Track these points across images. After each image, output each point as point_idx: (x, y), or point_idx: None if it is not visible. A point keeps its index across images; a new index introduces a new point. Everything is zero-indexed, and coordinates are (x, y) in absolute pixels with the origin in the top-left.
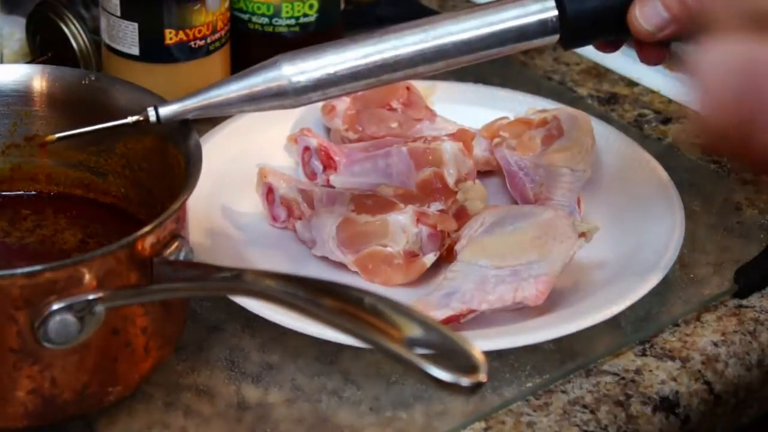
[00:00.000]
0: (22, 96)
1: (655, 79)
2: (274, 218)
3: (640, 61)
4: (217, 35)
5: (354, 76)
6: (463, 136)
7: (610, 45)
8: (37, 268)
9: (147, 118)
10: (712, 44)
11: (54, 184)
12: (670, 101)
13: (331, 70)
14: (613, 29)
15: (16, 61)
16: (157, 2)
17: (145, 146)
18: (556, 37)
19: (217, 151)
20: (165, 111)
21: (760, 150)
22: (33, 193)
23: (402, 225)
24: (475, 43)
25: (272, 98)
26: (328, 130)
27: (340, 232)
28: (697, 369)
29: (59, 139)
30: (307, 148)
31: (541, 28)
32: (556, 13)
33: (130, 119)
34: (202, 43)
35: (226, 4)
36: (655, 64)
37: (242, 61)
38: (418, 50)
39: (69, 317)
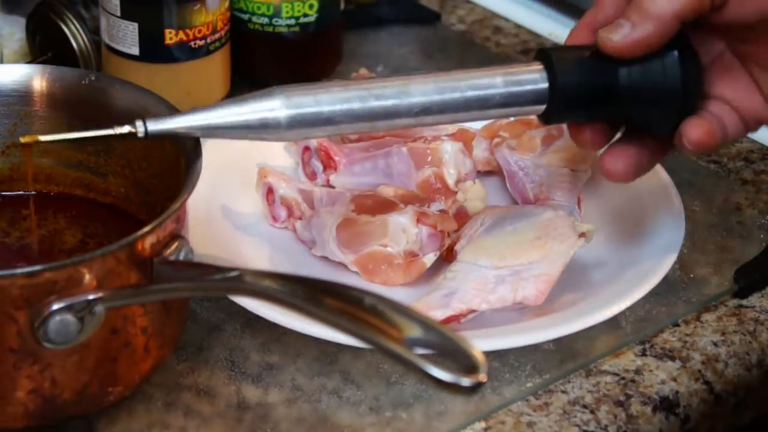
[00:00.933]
0: (22, 96)
1: None
2: (274, 218)
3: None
4: (217, 35)
5: (348, 118)
6: (463, 136)
7: (597, 135)
8: (37, 268)
9: (135, 132)
10: None
11: (54, 184)
12: None
13: (326, 108)
14: (601, 111)
15: (16, 61)
16: (157, 2)
17: (145, 146)
18: (542, 107)
19: (217, 151)
20: (154, 126)
21: None
22: (33, 192)
23: (402, 225)
24: (464, 103)
25: (262, 129)
26: None
27: (340, 232)
28: (697, 369)
29: (42, 142)
30: (307, 148)
31: (531, 97)
32: (546, 85)
33: (118, 131)
34: (202, 43)
35: (226, 4)
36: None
37: (242, 61)
38: (420, 102)
39: (69, 317)
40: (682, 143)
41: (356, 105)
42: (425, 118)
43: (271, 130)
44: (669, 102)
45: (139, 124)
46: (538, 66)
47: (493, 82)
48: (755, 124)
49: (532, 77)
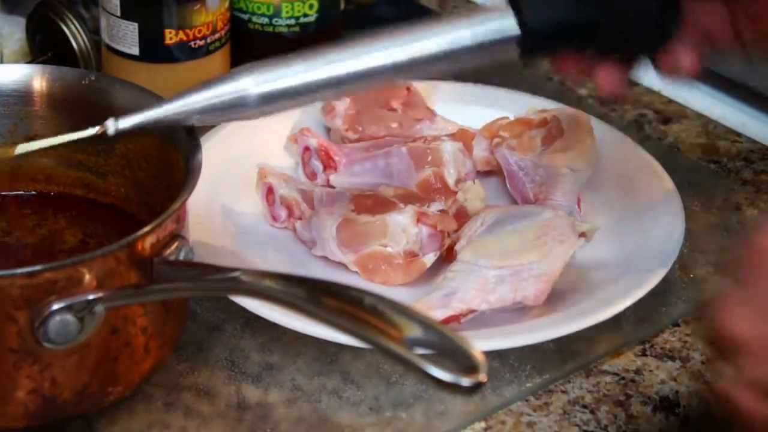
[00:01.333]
0: (22, 96)
1: (655, 79)
2: (274, 218)
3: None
4: (217, 35)
5: (319, 86)
6: (463, 136)
7: (581, 64)
8: (37, 268)
9: (105, 131)
10: None
11: (54, 184)
12: (670, 101)
13: (292, 81)
14: (578, 44)
15: (16, 61)
16: (157, 2)
17: (145, 146)
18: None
19: (217, 151)
20: (124, 123)
21: None
22: (33, 192)
23: (402, 225)
24: (430, 60)
25: (233, 109)
26: (328, 130)
27: (340, 232)
28: (697, 369)
29: (20, 154)
30: (307, 148)
31: (502, 47)
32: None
33: (89, 132)
34: (202, 43)
35: (226, 4)
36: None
37: (242, 61)
38: (382, 65)
39: (69, 317)
40: (671, 68)
41: (325, 73)
42: (397, 76)
43: (243, 108)
44: (645, 28)
45: (109, 122)
46: (507, 12)
47: (462, 35)
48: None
49: (501, 26)
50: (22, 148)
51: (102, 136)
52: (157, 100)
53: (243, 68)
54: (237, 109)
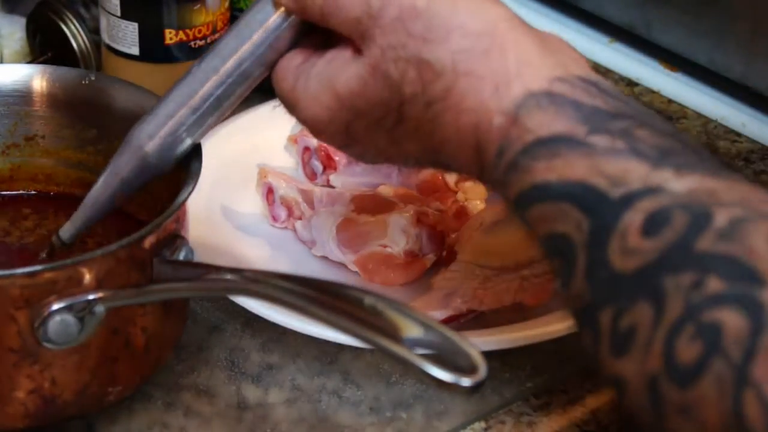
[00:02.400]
0: (22, 96)
1: (655, 79)
2: (274, 218)
3: None
4: (217, 35)
5: (203, 112)
6: None
7: None
8: (37, 268)
9: (53, 246)
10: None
11: (54, 184)
12: (670, 101)
13: (177, 121)
14: None
15: (16, 61)
16: (157, 2)
17: None
18: None
19: (217, 151)
20: (68, 234)
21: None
22: (33, 192)
23: (402, 225)
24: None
25: (141, 176)
26: None
27: (340, 232)
28: None
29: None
30: (307, 148)
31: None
32: None
33: (43, 254)
34: (202, 43)
35: (226, 4)
36: None
37: None
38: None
39: (69, 317)
40: None
41: (205, 89)
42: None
43: (149, 171)
44: None
45: (54, 238)
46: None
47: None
48: None
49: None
50: None
51: (53, 254)
52: (85, 201)
53: (133, 134)
54: (151, 171)
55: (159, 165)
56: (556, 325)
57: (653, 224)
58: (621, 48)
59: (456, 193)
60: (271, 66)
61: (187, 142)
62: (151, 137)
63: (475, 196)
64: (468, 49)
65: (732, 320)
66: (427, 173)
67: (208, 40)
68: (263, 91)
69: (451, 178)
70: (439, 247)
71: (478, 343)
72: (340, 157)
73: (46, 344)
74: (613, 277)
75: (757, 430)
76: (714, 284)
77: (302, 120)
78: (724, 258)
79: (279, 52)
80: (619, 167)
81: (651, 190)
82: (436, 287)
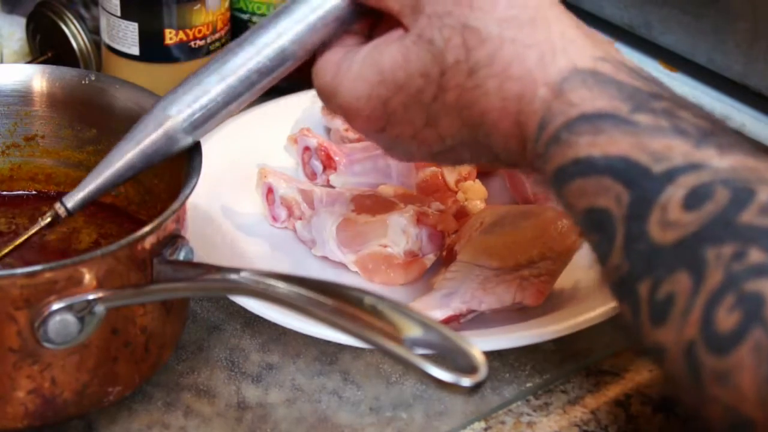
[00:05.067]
0: (22, 96)
1: None
2: (274, 218)
3: None
4: (217, 35)
5: (235, 96)
6: None
7: None
8: (37, 268)
9: (57, 215)
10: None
11: (54, 184)
12: None
13: (211, 95)
14: None
15: (16, 61)
16: (157, 2)
17: None
18: None
19: (217, 151)
20: (72, 202)
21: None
22: (33, 192)
23: (402, 225)
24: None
25: (167, 149)
26: (328, 130)
27: (340, 232)
28: None
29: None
30: (307, 148)
31: None
32: None
33: (43, 221)
34: (202, 43)
35: (226, 4)
36: None
37: None
38: (278, 47)
39: (69, 317)
40: None
41: (240, 73)
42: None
43: (176, 143)
44: None
45: (58, 205)
46: None
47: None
48: None
49: None
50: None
51: (56, 221)
52: (96, 168)
53: (158, 105)
54: (170, 146)
55: (183, 140)
56: (556, 325)
57: (695, 198)
58: (621, 48)
59: (456, 193)
60: (311, 53)
61: (214, 120)
62: (180, 111)
63: (475, 196)
64: (514, 17)
65: None
66: (427, 173)
67: (208, 40)
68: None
69: (451, 178)
70: (439, 247)
71: (478, 343)
72: (340, 157)
73: (46, 344)
74: (652, 249)
75: None
76: (756, 255)
77: (341, 104)
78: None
79: (323, 40)
80: (662, 144)
81: (693, 166)
82: (436, 287)
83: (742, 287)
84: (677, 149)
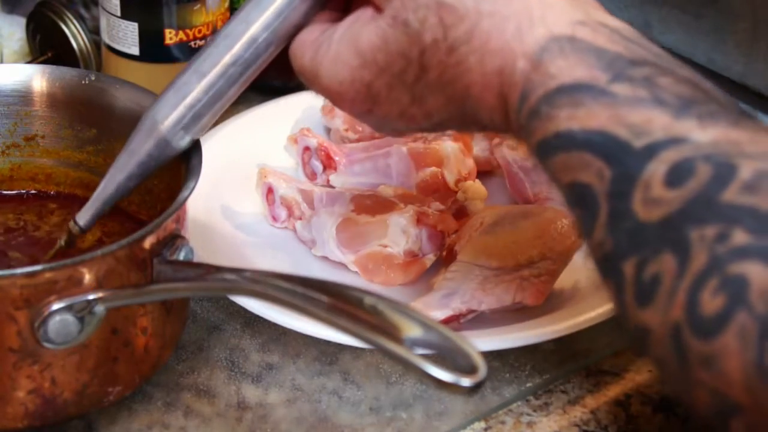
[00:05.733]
0: (22, 96)
1: None
2: (274, 218)
3: None
4: None
5: (220, 90)
6: (463, 136)
7: None
8: (37, 268)
9: (72, 234)
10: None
11: (54, 184)
12: None
13: (194, 94)
14: None
15: (16, 61)
16: (157, 2)
17: None
18: None
19: (217, 151)
20: (84, 220)
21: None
22: (33, 192)
23: (402, 225)
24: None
25: (161, 155)
26: (328, 130)
27: (340, 232)
28: None
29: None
30: (307, 148)
31: None
32: None
33: (61, 241)
34: (202, 43)
35: (226, 4)
36: None
37: None
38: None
39: (69, 317)
40: None
41: (218, 70)
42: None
43: (170, 149)
44: None
45: (71, 224)
46: None
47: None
48: None
49: None
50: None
51: (73, 239)
52: (101, 183)
53: (148, 113)
54: (166, 151)
55: (175, 143)
56: (556, 325)
57: (677, 175)
58: None
59: (456, 193)
60: (287, 39)
61: (205, 117)
62: (166, 116)
63: (475, 196)
64: None
65: (758, 273)
66: (427, 173)
67: (208, 40)
68: (263, 91)
69: (451, 178)
70: (439, 247)
71: (478, 343)
72: (340, 157)
73: (46, 344)
74: (637, 227)
75: None
76: (739, 237)
77: (324, 88)
78: (750, 210)
79: (295, 24)
80: (641, 117)
81: (674, 141)
82: (436, 287)
83: (726, 270)
84: (657, 122)
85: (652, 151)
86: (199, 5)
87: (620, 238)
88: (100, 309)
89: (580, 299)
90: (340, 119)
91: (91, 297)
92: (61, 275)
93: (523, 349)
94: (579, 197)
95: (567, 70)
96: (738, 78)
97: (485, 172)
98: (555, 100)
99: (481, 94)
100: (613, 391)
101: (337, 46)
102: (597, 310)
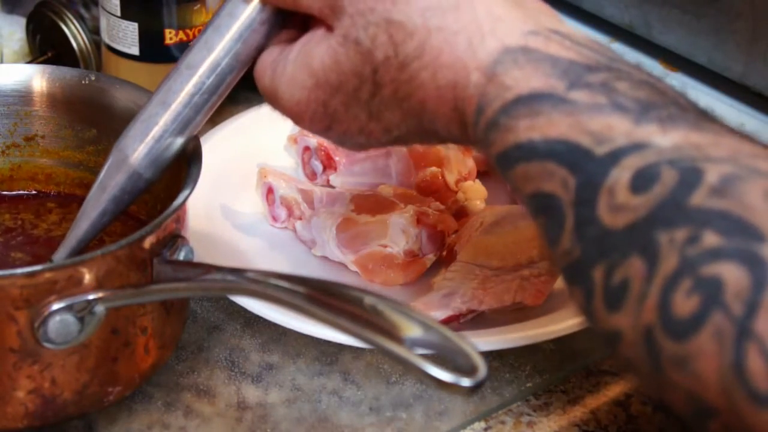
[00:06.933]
0: (22, 96)
1: None
2: (274, 218)
3: None
4: None
5: (182, 117)
6: None
7: None
8: (37, 268)
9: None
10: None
11: (54, 184)
12: None
13: (160, 125)
14: None
15: (16, 61)
16: (157, 2)
17: None
18: None
19: (217, 151)
20: (59, 259)
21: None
22: (33, 192)
23: (402, 225)
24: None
25: (133, 191)
26: None
27: (340, 232)
28: None
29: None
30: (307, 148)
31: None
32: None
33: None
34: None
35: None
36: None
37: None
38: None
39: (69, 317)
40: None
41: (185, 110)
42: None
43: (141, 182)
44: None
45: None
46: None
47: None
48: None
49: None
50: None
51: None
52: (75, 222)
53: (116, 147)
54: (137, 184)
55: (147, 175)
56: (556, 325)
57: (642, 181)
58: (621, 48)
59: (456, 193)
60: (249, 62)
61: (173, 147)
62: (135, 149)
63: (475, 196)
64: (438, 5)
65: (732, 275)
66: (427, 173)
67: None
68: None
69: (451, 178)
70: (439, 247)
71: (478, 343)
72: (340, 157)
73: (46, 344)
74: (604, 233)
75: (757, 382)
76: (711, 239)
77: (283, 108)
78: (720, 213)
79: (255, 46)
80: (602, 123)
81: (636, 146)
82: (436, 287)
83: (699, 271)
84: (618, 128)
85: (615, 157)
86: (199, 5)
87: (587, 246)
88: (100, 309)
89: None
90: None
91: (91, 297)
92: (61, 275)
93: (523, 349)
94: (543, 206)
95: (523, 80)
96: (738, 78)
97: (485, 172)
98: (513, 111)
99: (436, 108)
100: (613, 391)
101: (292, 67)
102: None
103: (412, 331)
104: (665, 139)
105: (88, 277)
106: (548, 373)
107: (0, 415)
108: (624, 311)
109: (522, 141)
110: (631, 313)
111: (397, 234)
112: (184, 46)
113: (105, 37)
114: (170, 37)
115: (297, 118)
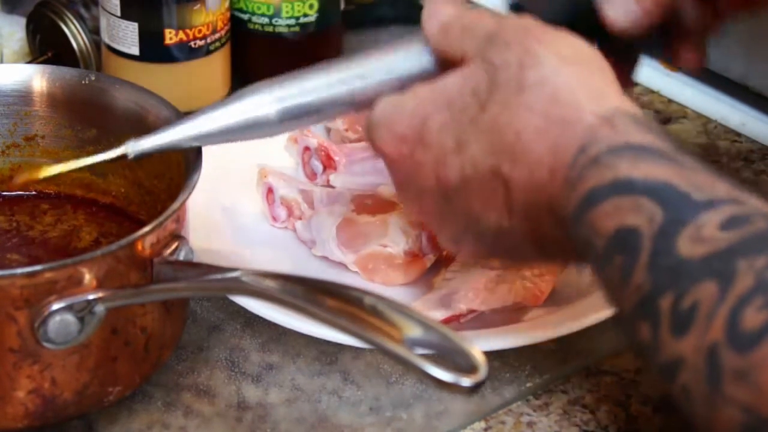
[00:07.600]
0: (22, 96)
1: (655, 79)
2: (274, 218)
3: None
4: (217, 35)
5: (336, 104)
6: None
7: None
8: (37, 268)
9: (126, 154)
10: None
11: (54, 184)
12: (670, 101)
13: (313, 97)
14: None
15: (16, 61)
16: (157, 2)
17: None
18: None
19: (217, 151)
20: (145, 145)
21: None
22: (33, 192)
23: (402, 225)
24: None
25: (255, 128)
26: (328, 130)
27: (340, 232)
28: None
29: (45, 179)
30: (307, 148)
31: None
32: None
33: (110, 155)
34: (202, 43)
35: (226, 4)
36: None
37: (242, 62)
38: (406, 73)
39: (69, 317)
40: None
41: (341, 89)
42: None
43: (263, 127)
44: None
45: (130, 144)
46: None
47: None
48: None
49: None
50: (48, 171)
51: (123, 158)
52: (176, 120)
53: (260, 85)
54: (257, 128)
55: (272, 129)
56: (556, 325)
57: (733, 222)
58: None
59: None
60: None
61: (307, 123)
62: (279, 101)
63: None
64: (573, 56)
65: None
66: None
67: (208, 40)
68: None
69: None
70: (439, 247)
71: (478, 343)
72: (340, 157)
73: (46, 344)
74: (678, 263)
75: None
76: None
77: (383, 109)
78: None
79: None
80: (705, 179)
81: (735, 201)
82: (436, 287)
83: None
84: (720, 186)
85: (711, 203)
86: (199, 5)
87: (659, 275)
88: (100, 309)
89: (580, 299)
90: (340, 119)
91: (91, 297)
92: (61, 275)
93: (523, 349)
94: (621, 242)
95: (636, 133)
96: (738, 78)
97: None
98: (619, 152)
99: (530, 143)
100: (613, 391)
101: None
102: (597, 310)
103: (412, 331)
104: (762, 204)
105: (88, 277)
106: (548, 373)
107: (0, 415)
108: (690, 334)
109: (621, 176)
110: (698, 334)
111: (398, 234)
112: (184, 46)
113: (105, 37)
114: (170, 37)
115: (389, 127)
